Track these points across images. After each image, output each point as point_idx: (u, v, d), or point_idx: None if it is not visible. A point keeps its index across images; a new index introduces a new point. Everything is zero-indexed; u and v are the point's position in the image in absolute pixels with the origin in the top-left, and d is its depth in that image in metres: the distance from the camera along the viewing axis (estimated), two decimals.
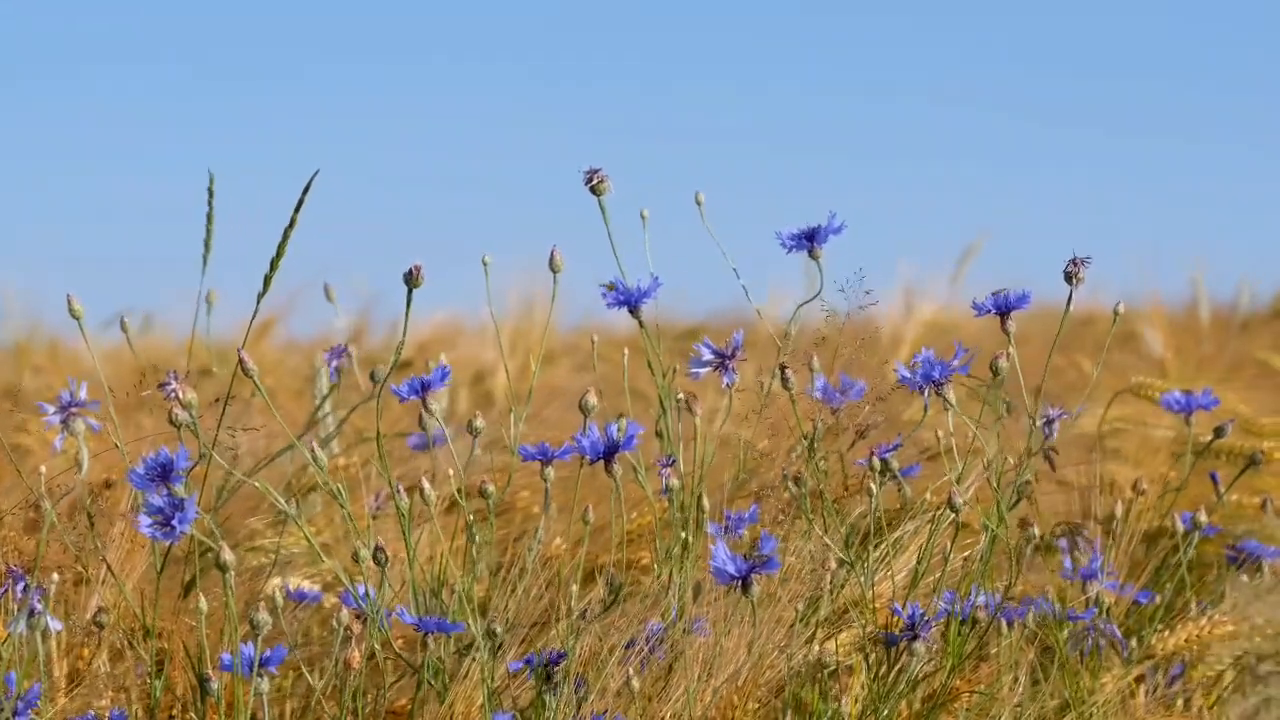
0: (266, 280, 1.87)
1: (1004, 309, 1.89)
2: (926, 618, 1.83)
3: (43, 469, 1.90)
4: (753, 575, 1.76)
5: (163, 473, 1.69)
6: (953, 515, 1.85)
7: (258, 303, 1.88)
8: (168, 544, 1.76)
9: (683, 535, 1.92)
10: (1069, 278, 1.88)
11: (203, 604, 1.75)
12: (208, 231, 2.11)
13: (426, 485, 1.83)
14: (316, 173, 1.85)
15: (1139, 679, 2.11)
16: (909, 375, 1.87)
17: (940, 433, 1.90)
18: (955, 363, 1.86)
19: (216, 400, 1.85)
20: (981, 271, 5.19)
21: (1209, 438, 2.33)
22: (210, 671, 1.77)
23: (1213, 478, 2.37)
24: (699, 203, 1.97)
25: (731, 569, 1.76)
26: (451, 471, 1.87)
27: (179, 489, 1.69)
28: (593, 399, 1.87)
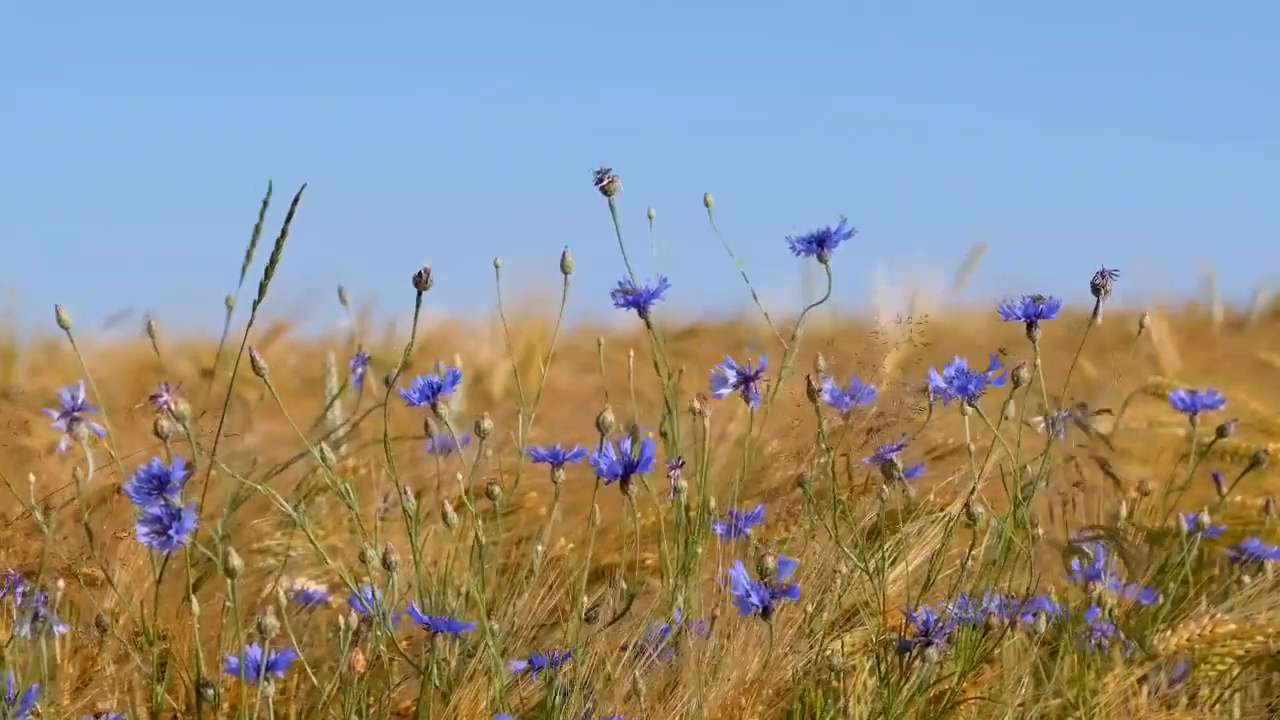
0: (262, 288, 1.87)
1: (1033, 317, 1.88)
2: (940, 623, 1.83)
3: (31, 477, 1.90)
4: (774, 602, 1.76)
5: (158, 485, 1.68)
6: (963, 518, 1.85)
7: (253, 310, 1.87)
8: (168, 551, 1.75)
9: (689, 540, 1.92)
10: (1096, 290, 1.88)
11: (195, 607, 1.75)
12: (252, 242, 2.10)
13: (449, 509, 1.83)
14: (304, 186, 1.85)
15: (1141, 679, 2.11)
16: (943, 386, 1.87)
17: (966, 433, 1.89)
18: (990, 375, 1.86)
19: (213, 409, 1.85)
20: (983, 272, 5.19)
21: (1215, 438, 2.33)
22: (211, 676, 1.77)
23: (1215, 478, 2.37)
24: (708, 204, 1.97)
25: (755, 599, 1.75)
26: (461, 475, 1.87)
27: (175, 499, 1.68)
28: (609, 416, 1.87)
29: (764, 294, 2.01)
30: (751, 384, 1.94)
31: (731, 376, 1.95)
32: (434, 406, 1.86)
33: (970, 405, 1.86)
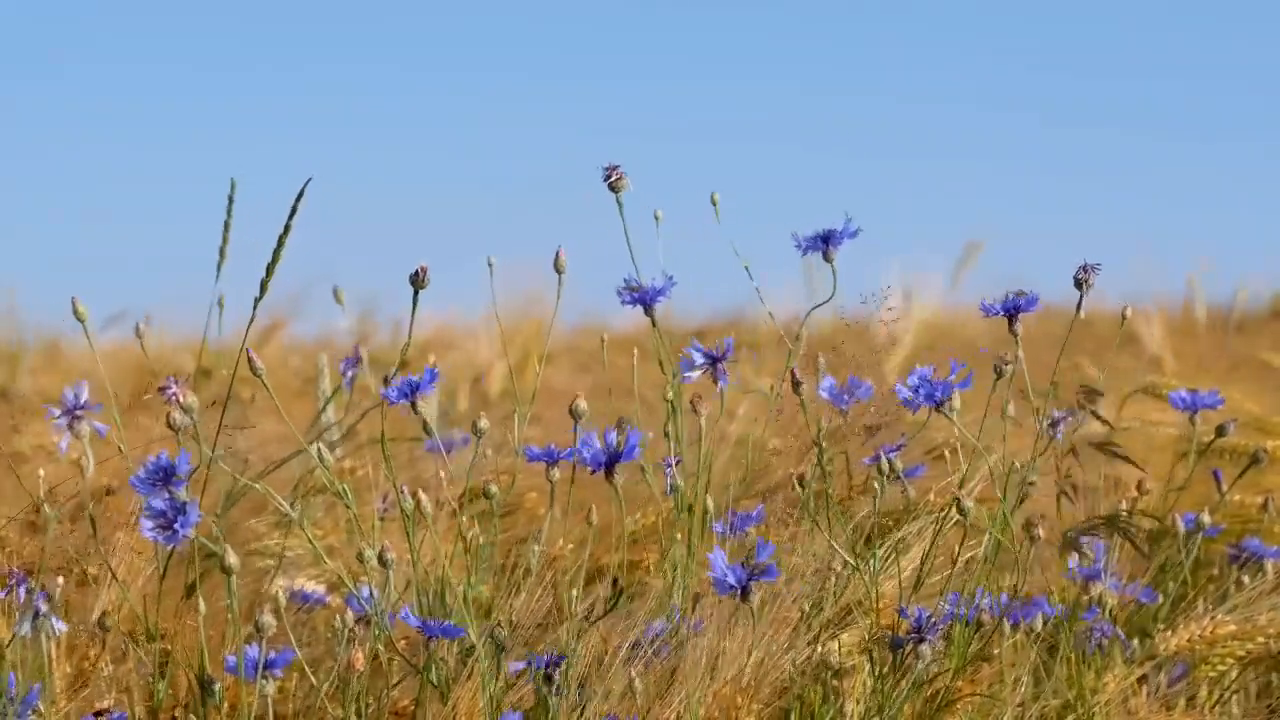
0: (263, 285, 1.87)
1: (1013, 311, 1.89)
2: (933, 620, 1.83)
3: (41, 472, 1.89)
4: (752, 583, 1.76)
5: (165, 477, 1.69)
6: (958, 516, 1.85)
7: (254, 307, 1.87)
8: (170, 547, 1.75)
9: (687, 537, 1.92)
10: (1079, 284, 1.88)
11: (202, 606, 1.75)
12: (224, 239, 2.12)
13: (424, 497, 1.83)
14: (309, 180, 1.84)
15: (1141, 679, 2.11)
16: (910, 396, 1.87)
17: (954, 434, 1.90)
18: (953, 379, 1.86)
19: (214, 403, 1.85)
20: (979, 271, 5.19)
21: (1213, 437, 2.33)
22: (212, 674, 1.77)
23: (1215, 476, 2.36)
24: (714, 202, 1.97)
25: (731, 579, 1.75)
26: (443, 474, 1.87)
27: (181, 493, 1.68)
28: (583, 404, 1.87)
29: (766, 294, 2.01)
30: (719, 364, 1.94)
31: (698, 358, 1.95)
32: (413, 404, 1.86)
33: (940, 411, 1.86)
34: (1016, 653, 1.93)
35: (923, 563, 1.90)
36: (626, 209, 1.94)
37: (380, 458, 1.95)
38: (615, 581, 1.81)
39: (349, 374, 2.44)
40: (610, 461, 1.85)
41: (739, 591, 1.75)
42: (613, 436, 1.85)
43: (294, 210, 1.84)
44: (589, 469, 1.86)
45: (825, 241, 1.95)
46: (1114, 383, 2.78)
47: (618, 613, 1.79)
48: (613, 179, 1.93)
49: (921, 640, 1.83)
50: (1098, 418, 2.34)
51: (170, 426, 1.72)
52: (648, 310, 1.96)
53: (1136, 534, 2.20)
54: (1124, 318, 1.98)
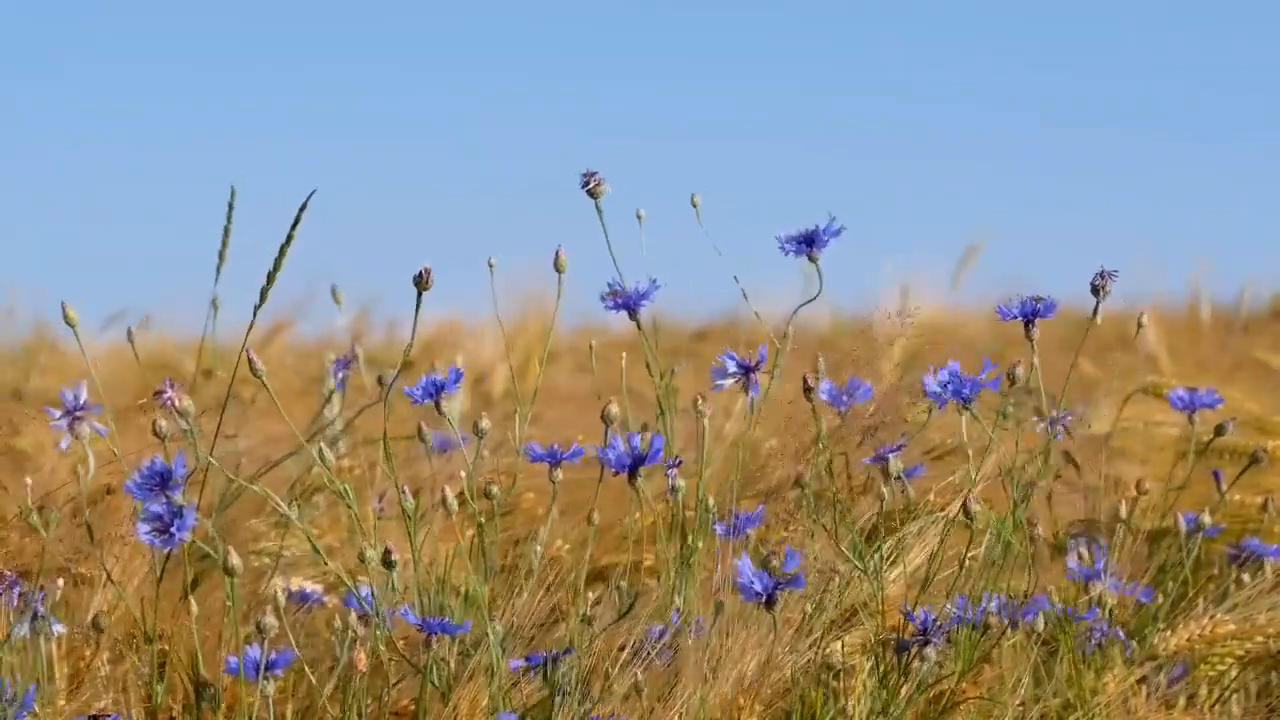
0: (263, 294, 1.87)
1: (1030, 316, 1.89)
2: (939, 623, 1.83)
3: (36, 475, 1.90)
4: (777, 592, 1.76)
5: (161, 481, 1.69)
6: (960, 517, 1.85)
7: (254, 314, 1.87)
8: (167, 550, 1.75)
9: (688, 539, 1.92)
10: (1095, 290, 1.89)
11: (194, 607, 1.75)
12: (223, 244, 2.12)
13: (449, 494, 1.83)
14: (313, 193, 1.84)
15: (1141, 679, 2.11)
16: (937, 390, 1.86)
17: (963, 434, 1.90)
18: (983, 377, 1.86)
19: (214, 407, 1.85)
20: (980, 271, 5.18)
21: (1213, 437, 2.33)
22: (209, 676, 1.77)
23: (1215, 476, 2.36)
24: (695, 205, 1.97)
25: (758, 586, 1.75)
26: (459, 474, 1.87)
27: (177, 497, 1.68)
28: (615, 409, 1.87)
29: (767, 294, 2.01)
30: (752, 375, 1.94)
31: (731, 367, 1.95)
32: (437, 404, 1.87)
33: (966, 409, 1.86)
34: (1017, 654, 1.93)
35: (929, 563, 1.90)
36: (626, 210, 1.94)
37: (376, 456, 1.95)
38: (620, 588, 1.82)
39: (339, 374, 2.44)
40: (634, 464, 1.85)
41: (764, 599, 1.75)
42: (637, 439, 1.86)
43: (297, 220, 1.84)
44: (613, 472, 1.86)
45: (809, 243, 1.94)
46: (1114, 383, 2.78)
47: (625, 618, 1.79)
48: (591, 185, 1.93)
49: (927, 643, 1.83)
50: (1067, 431, 2.34)
51: (156, 434, 1.72)
52: (632, 314, 1.96)
53: (1105, 537, 2.20)
54: (1139, 325, 1.99)
